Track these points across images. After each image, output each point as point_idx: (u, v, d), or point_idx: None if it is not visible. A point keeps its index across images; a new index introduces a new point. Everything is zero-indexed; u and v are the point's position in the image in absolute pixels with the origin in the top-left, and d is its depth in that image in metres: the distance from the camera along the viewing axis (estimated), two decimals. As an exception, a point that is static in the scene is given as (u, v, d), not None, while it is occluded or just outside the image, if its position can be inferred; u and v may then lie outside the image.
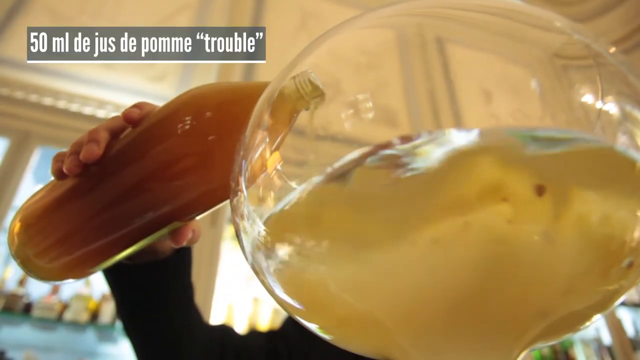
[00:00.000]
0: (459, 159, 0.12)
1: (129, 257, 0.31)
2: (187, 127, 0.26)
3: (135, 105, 0.29)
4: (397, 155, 0.13)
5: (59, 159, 0.29)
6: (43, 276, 0.29)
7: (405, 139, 0.13)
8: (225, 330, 0.49)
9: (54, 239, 0.28)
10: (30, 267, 0.29)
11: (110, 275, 0.38)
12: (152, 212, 0.27)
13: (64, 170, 0.28)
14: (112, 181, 0.27)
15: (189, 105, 0.27)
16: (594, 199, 0.12)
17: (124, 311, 0.41)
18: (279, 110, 0.19)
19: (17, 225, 0.29)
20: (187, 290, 0.43)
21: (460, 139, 0.13)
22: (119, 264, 0.33)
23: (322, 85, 0.19)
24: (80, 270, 0.30)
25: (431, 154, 0.12)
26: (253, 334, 0.53)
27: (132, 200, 0.27)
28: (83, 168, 0.27)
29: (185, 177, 0.26)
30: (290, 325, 0.53)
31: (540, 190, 0.12)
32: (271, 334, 0.52)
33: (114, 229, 0.28)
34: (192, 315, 0.44)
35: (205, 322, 0.47)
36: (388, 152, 0.13)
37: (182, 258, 0.41)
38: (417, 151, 0.13)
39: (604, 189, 0.12)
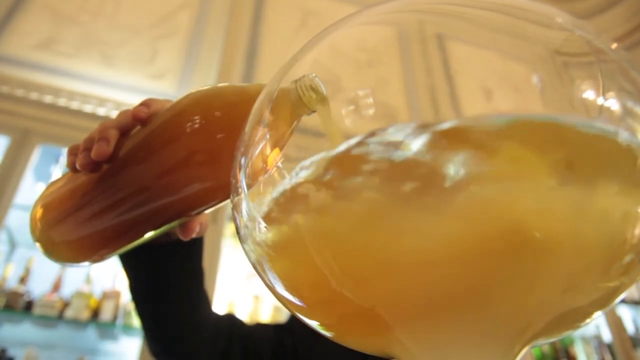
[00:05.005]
0: (481, 141, 0.12)
1: None
2: (197, 125, 0.27)
3: (144, 104, 0.30)
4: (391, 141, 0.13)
5: (72, 152, 0.31)
6: (62, 258, 0.32)
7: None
8: (232, 320, 0.50)
9: (73, 224, 0.30)
10: (51, 250, 0.32)
11: (124, 254, 0.39)
12: (161, 207, 0.29)
13: (77, 166, 0.29)
14: (122, 177, 0.29)
15: (198, 105, 0.28)
16: (613, 194, 0.12)
17: (136, 291, 0.42)
18: (280, 108, 0.19)
19: (40, 211, 0.32)
20: (197, 273, 0.44)
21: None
22: None
23: (324, 86, 0.19)
24: (95, 254, 0.32)
25: (447, 136, 0.12)
26: (260, 326, 0.53)
27: (143, 196, 0.29)
28: (94, 165, 0.29)
29: (194, 174, 0.27)
30: (296, 320, 0.53)
31: (569, 166, 0.12)
32: (277, 327, 0.53)
33: (125, 222, 0.30)
34: (201, 299, 0.45)
35: (214, 310, 0.48)
36: (373, 140, 0.13)
37: (194, 242, 0.42)
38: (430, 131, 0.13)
39: (619, 183, 0.12)
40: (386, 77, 0.17)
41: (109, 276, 1.63)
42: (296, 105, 0.19)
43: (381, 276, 0.13)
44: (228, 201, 0.26)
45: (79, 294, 1.53)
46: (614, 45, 0.15)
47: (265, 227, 0.15)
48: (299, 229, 0.14)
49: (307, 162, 0.14)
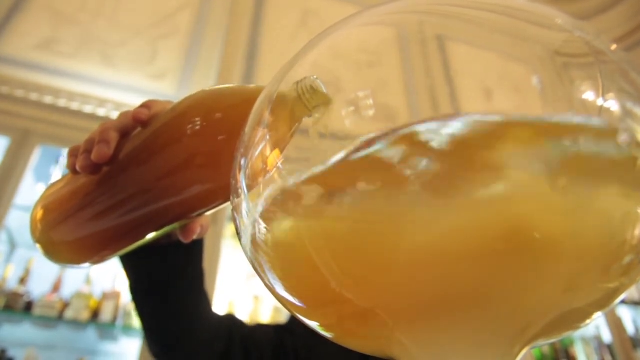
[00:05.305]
0: (475, 145, 0.12)
1: None
2: (197, 127, 0.27)
3: (145, 105, 0.30)
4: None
5: (73, 154, 0.31)
6: (63, 259, 0.32)
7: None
8: (233, 320, 0.50)
9: (74, 225, 0.30)
10: (52, 251, 0.32)
11: (125, 255, 0.39)
12: (161, 209, 0.29)
13: (77, 168, 0.29)
14: (123, 179, 0.29)
15: (199, 107, 0.28)
16: (613, 195, 0.12)
17: (136, 291, 0.42)
18: (280, 109, 0.19)
19: (40, 213, 0.32)
20: (198, 274, 0.45)
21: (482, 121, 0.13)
22: None
23: (325, 88, 0.19)
24: (95, 255, 0.32)
25: (448, 137, 0.12)
26: (260, 326, 0.53)
27: (143, 198, 0.29)
28: (95, 167, 0.29)
29: (195, 176, 0.27)
30: (297, 320, 0.53)
31: (562, 181, 0.12)
32: (278, 328, 0.53)
33: (125, 224, 0.30)
34: (201, 300, 0.46)
35: (214, 310, 0.48)
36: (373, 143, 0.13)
37: (195, 243, 0.42)
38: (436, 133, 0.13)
39: (618, 184, 0.12)
40: (386, 78, 0.17)
41: (109, 277, 1.63)
42: (296, 106, 0.19)
43: (381, 276, 0.13)
44: (229, 203, 0.26)
45: (79, 295, 1.53)
46: (614, 47, 0.15)
47: (265, 227, 0.15)
48: (299, 230, 0.14)
49: (307, 164, 0.14)
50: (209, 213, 0.32)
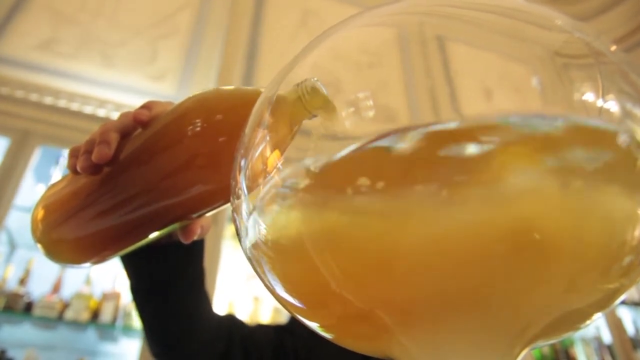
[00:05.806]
0: (485, 149, 0.12)
1: None
2: (198, 128, 0.27)
3: (145, 106, 0.30)
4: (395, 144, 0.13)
5: (73, 154, 0.31)
6: (63, 259, 0.32)
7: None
8: (233, 320, 0.50)
9: (74, 225, 0.30)
10: (53, 251, 0.32)
11: (125, 255, 0.39)
12: (162, 210, 0.29)
13: (78, 169, 0.29)
14: (123, 180, 0.29)
15: (200, 108, 0.28)
16: (613, 195, 0.12)
17: (137, 291, 0.42)
18: (280, 110, 0.19)
19: (41, 213, 0.32)
20: (199, 274, 0.45)
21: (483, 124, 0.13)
22: None
23: (326, 90, 0.19)
24: (96, 255, 0.32)
25: (448, 140, 0.12)
26: (260, 327, 0.54)
27: (143, 198, 0.29)
28: (95, 168, 0.29)
29: (196, 177, 0.28)
30: (297, 321, 0.53)
31: (562, 183, 0.12)
32: (278, 328, 0.53)
33: (125, 224, 0.30)
34: (202, 300, 0.46)
35: (214, 310, 0.48)
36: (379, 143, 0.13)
37: (195, 243, 0.42)
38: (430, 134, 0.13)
39: (618, 185, 0.12)
40: (386, 79, 0.17)
41: (109, 277, 1.63)
42: (297, 108, 0.19)
43: (381, 277, 0.13)
44: (229, 204, 0.26)
45: (79, 295, 1.53)
46: (614, 48, 0.15)
47: (265, 228, 0.15)
48: (299, 231, 0.14)
49: (307, 164, 0.14)
50: (209, 214, 0.32)
